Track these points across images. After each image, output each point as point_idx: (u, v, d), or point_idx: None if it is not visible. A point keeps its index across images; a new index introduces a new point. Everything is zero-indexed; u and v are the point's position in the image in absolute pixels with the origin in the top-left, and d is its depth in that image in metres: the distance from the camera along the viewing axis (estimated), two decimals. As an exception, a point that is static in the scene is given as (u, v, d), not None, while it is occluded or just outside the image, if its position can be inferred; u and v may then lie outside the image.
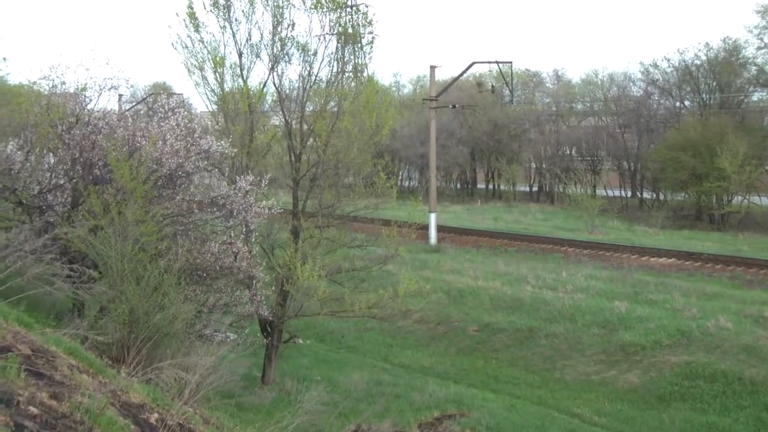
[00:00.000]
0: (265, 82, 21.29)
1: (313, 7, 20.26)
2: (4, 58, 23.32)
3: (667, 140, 64.90)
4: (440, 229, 51.20)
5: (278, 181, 22.23)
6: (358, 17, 20.80)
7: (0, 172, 17.38)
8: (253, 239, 20.00)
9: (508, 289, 33.92)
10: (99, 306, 15.76)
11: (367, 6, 21.78)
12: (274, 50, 20.68)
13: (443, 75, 70.24)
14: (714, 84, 69.92)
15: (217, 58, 20.60)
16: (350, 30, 20.65)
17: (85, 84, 18.64)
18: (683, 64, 71.01)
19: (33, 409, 6.24)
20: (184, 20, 20.39)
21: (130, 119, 19.01)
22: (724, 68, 67.44)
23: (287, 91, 21.40)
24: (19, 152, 18.06)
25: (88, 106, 18.97)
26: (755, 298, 31.07)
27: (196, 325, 16.98)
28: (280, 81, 21.19)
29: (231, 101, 20.92)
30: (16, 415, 5.90)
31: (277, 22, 20.44)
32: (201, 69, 20.71)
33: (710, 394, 22.80)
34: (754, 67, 68.37)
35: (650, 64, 75.19)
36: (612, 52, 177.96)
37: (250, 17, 20.53)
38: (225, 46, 20.82)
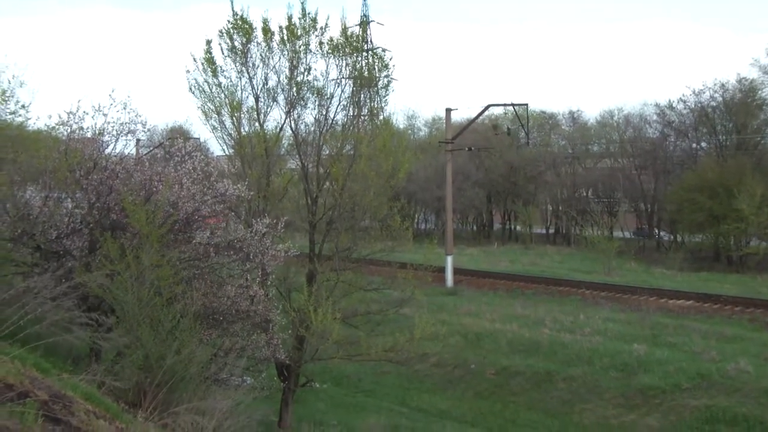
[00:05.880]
0: (282, 126, 21.40)
1: (329, 51, 20.40)
2: (23, 105, 23.40)
3: (684, 182, 64.56)
4: (457, 271, 50.99)
5: (295, 224, 22.20)
6: (374, 62, 20.93)
7: (19, 217, 17.44)
8: (270, 282, 19.92)
9: (525, 331, 33.72)
10: (116, 351, 15.71)
11: (383, 50, 21.93)
12: (291, 94, 20.79)
13: (459, 117, 70.52)
14: (730, 125, 69.70)
15: (234, 103, 20.70)
16: (366, 74, 20.76)
17: (103, 129, 18.66)
18: (699, 105, 71.00)
19: (49, 456, 6.22)
20: (202, 64, 20.55)
21: (147, 163, 19.06)
22: (741, 109, 67.35)
23: (303, 134, 21.46)
24: (37, 197, 18.11)
25: (106, 151, 19.00)
26: (775, 340, 30.76)
27: (212, 368, 16.87)
28: (297, 125, 21.31)
29: (248, 145, 20.97)
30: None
31: (293, 67, 20.57)
32: (218, 113, 20.81)
33: (731, 438, 22.59)
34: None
35: (666, 106, 75.19)
36: (627, 92, 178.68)
37: (267, 62, 20.69)
38: (242, 90, 20.96)
